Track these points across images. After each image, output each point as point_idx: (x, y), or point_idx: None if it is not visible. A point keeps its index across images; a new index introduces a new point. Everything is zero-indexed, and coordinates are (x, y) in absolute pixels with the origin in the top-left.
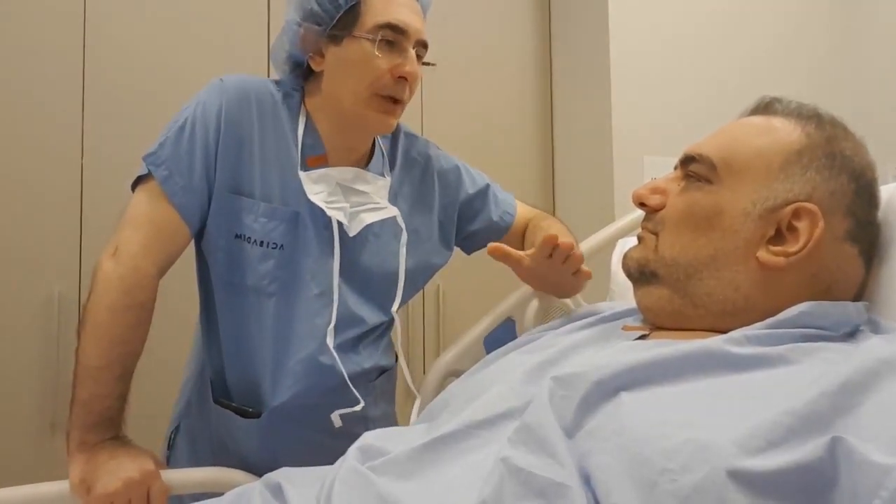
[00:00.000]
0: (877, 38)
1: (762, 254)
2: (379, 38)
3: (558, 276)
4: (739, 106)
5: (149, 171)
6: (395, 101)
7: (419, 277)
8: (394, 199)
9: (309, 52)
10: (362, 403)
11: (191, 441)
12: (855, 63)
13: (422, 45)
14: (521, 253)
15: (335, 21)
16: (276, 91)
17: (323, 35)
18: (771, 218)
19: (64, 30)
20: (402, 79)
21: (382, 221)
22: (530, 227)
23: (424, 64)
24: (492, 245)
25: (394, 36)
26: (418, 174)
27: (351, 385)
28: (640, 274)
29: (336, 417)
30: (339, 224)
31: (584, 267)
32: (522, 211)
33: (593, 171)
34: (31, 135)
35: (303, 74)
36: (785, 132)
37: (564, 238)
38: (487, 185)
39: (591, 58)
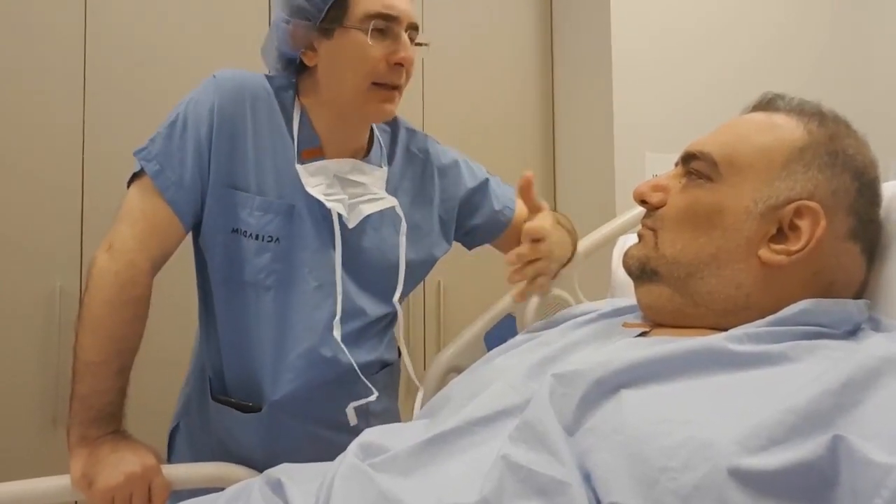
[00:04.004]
0: (879, 35)
1: (764, 252)
2: (371, 27)
3: None
4: (742, 102)
5: (141, 166)
6: (393, 87)
7: (421, 270)
8: (394, 193)
9: (300, 48)
10: (375, 394)
11: (190, 440)
12: (857, 60)
13: (413, 28)
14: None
15: (324, 14)
16: (270, 86)
17: (313, 30)
18: (773, 216)
19: (65, 23)
20: (398, 65)
21: (381, 213)
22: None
23: (417, 44)
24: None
25: (385, 24)
26: (418, 169)
27: (359, 376)
28: (641, 272)
29: (351, 412)
30: (339, 216)
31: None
32: (521, 204)
33: (594, 167)
34: (32, 128)
35: (296, 70)
36: (787, 129)
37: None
38: (487, 179)
39: (592, 52)
